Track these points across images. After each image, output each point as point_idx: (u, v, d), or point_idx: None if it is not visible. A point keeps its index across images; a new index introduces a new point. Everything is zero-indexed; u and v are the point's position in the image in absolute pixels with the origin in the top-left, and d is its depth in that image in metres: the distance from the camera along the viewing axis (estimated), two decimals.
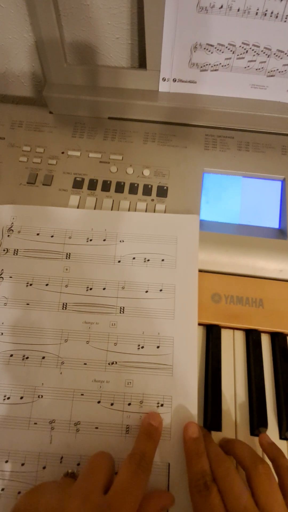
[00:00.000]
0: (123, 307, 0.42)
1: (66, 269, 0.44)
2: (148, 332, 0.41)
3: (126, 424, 0.37)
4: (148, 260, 0.44)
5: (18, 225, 0.46)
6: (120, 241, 0.45)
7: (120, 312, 0.42)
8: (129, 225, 0.46)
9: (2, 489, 0.35)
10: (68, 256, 0.44)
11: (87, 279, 0.43)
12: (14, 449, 0.36)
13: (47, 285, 0.43)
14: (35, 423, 0.37)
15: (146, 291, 0.43)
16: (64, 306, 0.42)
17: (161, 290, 0.43)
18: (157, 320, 0.41)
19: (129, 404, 0.38)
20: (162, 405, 0.38)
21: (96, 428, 0.37)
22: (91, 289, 0.43)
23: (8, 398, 0.38)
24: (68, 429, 0.37)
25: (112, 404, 0.38)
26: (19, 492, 0.35)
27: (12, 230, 0.46)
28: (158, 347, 0.40)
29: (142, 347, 0.40)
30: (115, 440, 0.36)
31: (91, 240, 0.45)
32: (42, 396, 0.38)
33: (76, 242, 0.45)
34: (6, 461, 0.36)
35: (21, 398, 0.38)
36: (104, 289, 0.43)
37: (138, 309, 0.42)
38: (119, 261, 0.44)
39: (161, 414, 0.37)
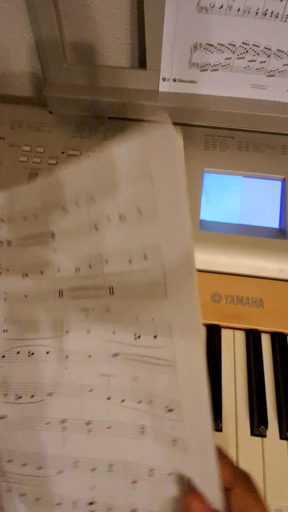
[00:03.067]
0: (112, 287, 0.34)
1: (54, 251, 0.38)
2: (142, 318, 0.34)
3: (140, 424, 0.34)
4: (124, 216, 0.31)
5: (5, 214, 0.41)
6: (92, 202, 0.33)
7: (110, 293, 0.34)
8: (87, 181, 0.34)
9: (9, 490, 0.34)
10: (53, 236, 0.38)
11: (74, 258, 0.38)
12: (24, 451, 0.36)
13: (41, 273, 0.40)
14: (47, 423, 0.36)
15: (130, 261, 0.32)
16: (60, 293, 0.40)
17: (145, 257, 0.31)
18: (149, 301, 0.32)
19: (139, 402, 0.36)
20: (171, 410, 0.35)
21: (109, 427, 0.35)
22: (79, 270, 0.37)
23: (20, 397, 0.38)
24: (80, 429, 0.36)
25: (123, 401, 0.35)
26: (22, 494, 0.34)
27: (3, 220, 0.43)
28: (155, 336, 0.34)
29: (139, 337, 0.35)
30: (130, 442, 0.34)
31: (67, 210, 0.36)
32: (51, 393, 0.38)
33: (56, 219, 0.37)
34: (24, 464, 0.35)
35: (32, 396, 0.37)
36: (90, 266, 0.36)
37: (126, 287, 0.33)
38: (95, 227, 0.34)
39: (170, 420, 0.33)
